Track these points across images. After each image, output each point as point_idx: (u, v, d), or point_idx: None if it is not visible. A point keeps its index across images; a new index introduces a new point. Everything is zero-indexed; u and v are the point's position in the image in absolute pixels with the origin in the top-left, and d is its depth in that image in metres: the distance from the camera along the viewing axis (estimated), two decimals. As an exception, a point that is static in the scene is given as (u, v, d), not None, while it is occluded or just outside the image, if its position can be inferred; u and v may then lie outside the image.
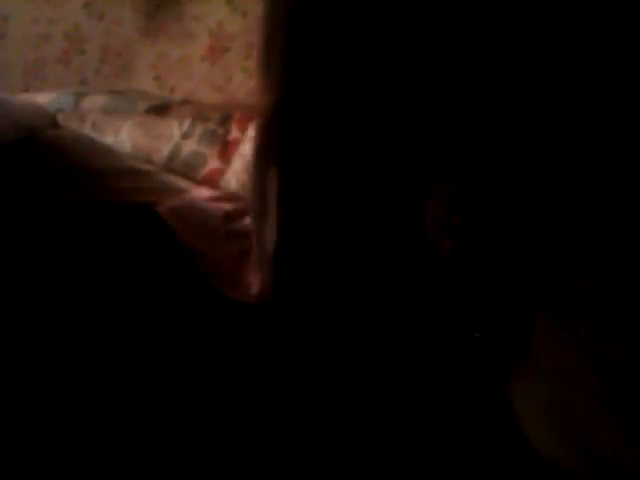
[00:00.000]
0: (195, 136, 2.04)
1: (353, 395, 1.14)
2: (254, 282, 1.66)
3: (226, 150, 2.03)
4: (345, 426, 1.13)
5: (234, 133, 2.07)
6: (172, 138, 2.03)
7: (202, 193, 1.90)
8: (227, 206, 1.87)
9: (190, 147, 2.02)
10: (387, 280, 1.14)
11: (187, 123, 2.06)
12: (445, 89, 1.08)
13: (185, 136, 2.04)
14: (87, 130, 2.02)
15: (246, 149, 2.02)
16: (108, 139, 2.01)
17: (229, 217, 1.84)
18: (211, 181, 1.97)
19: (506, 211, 1.12)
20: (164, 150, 2.01)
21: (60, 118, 2.08)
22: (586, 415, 1.01)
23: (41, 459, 1.38)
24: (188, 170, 1.98)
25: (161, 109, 2.23)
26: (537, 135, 1.06)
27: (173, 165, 1.99)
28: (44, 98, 2.20)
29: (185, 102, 2.46)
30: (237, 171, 1.98)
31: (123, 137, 2.01)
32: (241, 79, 2.62)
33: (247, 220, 1.84)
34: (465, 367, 1.14)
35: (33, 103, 2.15)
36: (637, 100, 0.99)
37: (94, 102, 2.22)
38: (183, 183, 1.92)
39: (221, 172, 1.99)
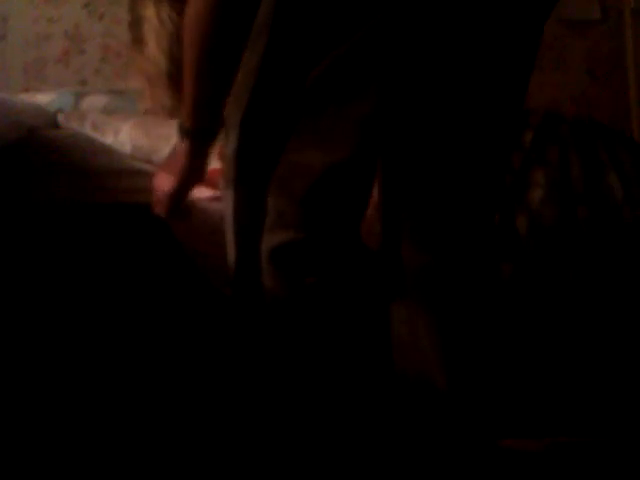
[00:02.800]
0: (195, 136, 2.04)
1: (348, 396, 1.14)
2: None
3: (226, 150, 2.02)
4: (343, 425, 1.13)
5: (234, 133, 2.06)
6: (172, 138, 2.03)
7: (202, 193, 1.90)
8: (227, 206, 1.87)
9: (190, 147, 2.01)
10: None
11: (187, 123, 2.06)
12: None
13: (185, 136, 2.03)
14: (87, 130, 2.02)
15: (246, 149, 2.02)
16: (108, 139, 2.00)
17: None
18: (211, 181, 1.97)
19: None
20: (164, 150, 2.00)
21: (60, 118, 2.07)
22: None
23: (41, 459, 1.37)
24: (188, 170, 1.97)
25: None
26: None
27: (173, 165, 1.98)
28: (44, 98, 2.19)
29: (185, 102, 2.45)
30: (237, 171, 1.98)
31: (123, 137, 2.01)
32: (241, 79, 2.60)
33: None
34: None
35: (33, 103, 2.14)
36: None
37: (94, 102, 2.22)
38: (183, 183, 1.92)
39: (221, 172, 1.98)
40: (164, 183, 1.43)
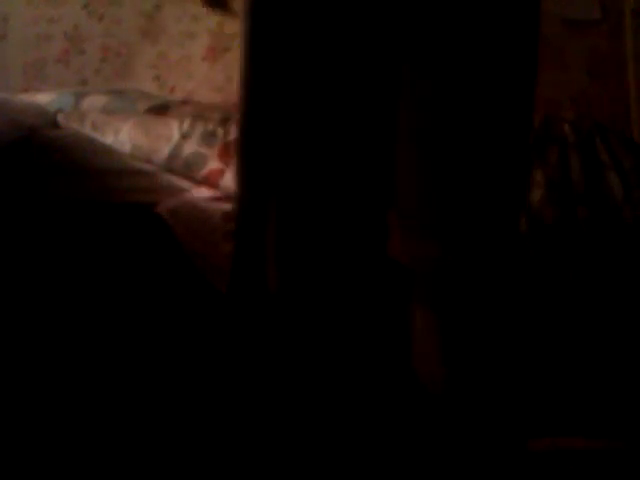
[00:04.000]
0: (195, 136, 2.04)
1: (352, 394, 1.14)
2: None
3: (226, 150, 2.03)
4: (344, 426, 1.13)
5: (234, 133, 2.07)
6: (172, 138, 2.03)
7: (202, 193, 1.90)
8: (227, 206, 1.87)
9: (190, 147, 2.02)
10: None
11: (187, 123, 2.06)
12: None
13: (185, 136, 2.04)
14: (87, 130, 2.02)
15: (246, 149, 2.02)
16: (108, 139, 2.00)
17: (229, 217, 1.84)
18: (211, 181, 1.97)
19: None
20: (164, 150, 2.01)
21: (60, 118, 2.08)
22: None
23: (41, 459, 1.38)
24: (188, 170, 1.98)
25: (161, 109, 2.23)
26: None
27: (173, 165, 1.99)
28: (44, 98, 2.20)
29: (185, 102, 2.46)
30: (237, 171, 1.98)
31: (123, 137, 2.01)
32: (241, 79, 2.60)
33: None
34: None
35: (33, 103, 2.15)
36: None
37: (94, 102, 2.22)
38: (183, 183, 1.93)
39: (221, 172, 1.99)
40: None
